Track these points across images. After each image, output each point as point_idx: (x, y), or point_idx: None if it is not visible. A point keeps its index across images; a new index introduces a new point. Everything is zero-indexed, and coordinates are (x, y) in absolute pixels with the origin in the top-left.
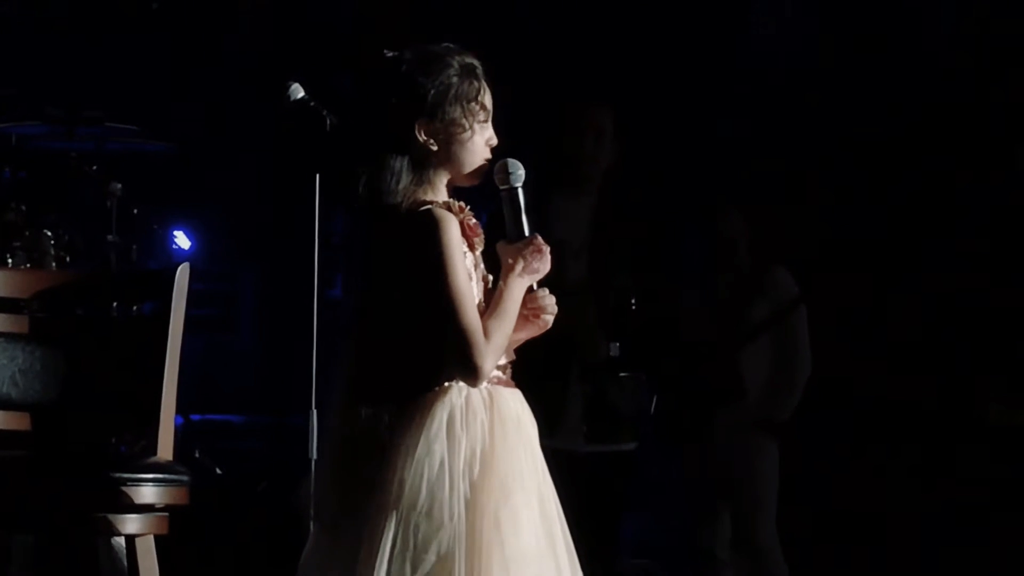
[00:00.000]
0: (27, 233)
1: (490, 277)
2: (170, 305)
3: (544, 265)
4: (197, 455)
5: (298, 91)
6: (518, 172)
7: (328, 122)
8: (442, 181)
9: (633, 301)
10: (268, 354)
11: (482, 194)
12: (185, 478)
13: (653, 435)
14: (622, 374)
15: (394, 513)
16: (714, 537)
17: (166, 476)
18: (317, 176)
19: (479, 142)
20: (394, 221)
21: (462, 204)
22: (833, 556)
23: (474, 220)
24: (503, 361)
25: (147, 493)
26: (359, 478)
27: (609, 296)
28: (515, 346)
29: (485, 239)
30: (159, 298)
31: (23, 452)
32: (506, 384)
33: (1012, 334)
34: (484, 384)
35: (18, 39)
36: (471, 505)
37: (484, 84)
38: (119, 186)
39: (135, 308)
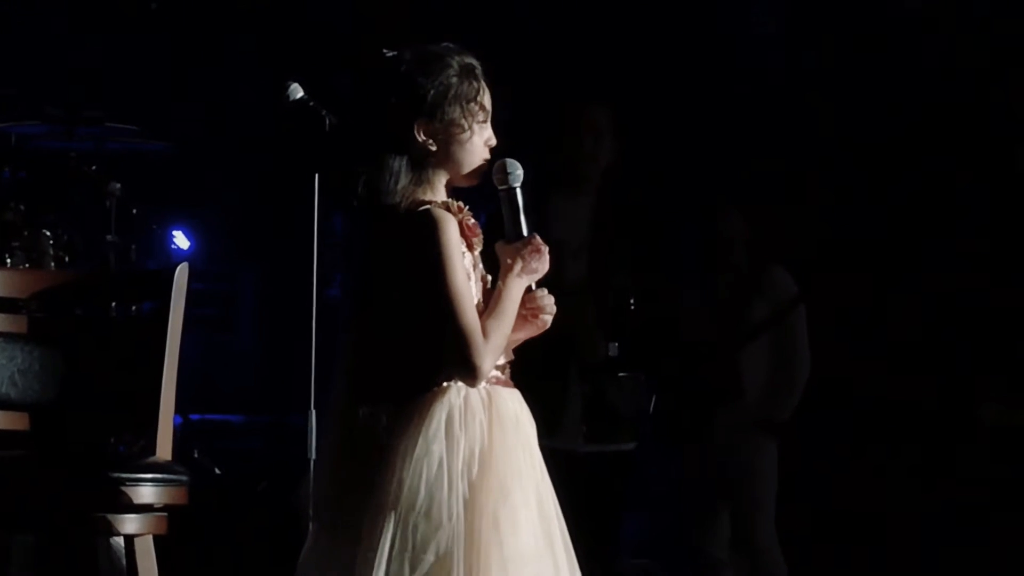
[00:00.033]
0: (26, 233)
1: (489, 277)
2: (169, 305)
3: (543, 265)
4: (196, 455)
5: (297, 91)
6: (516, 172)
7: (327, 122)
8: (441, 181)
9: (632, 301)
10: (267, 354)
11: (481, 194)
12: (184, 478)
13: (652, 435)
14: (621, 374)
15: (393, 513)
16: (713, 537)
17: (165, 476)
18: (316, 176)
19: (478, 142)
20: (393, 221)
21: (461, 204)
22: (832, 556)
23: (473, 220)
24: (502, 361)
25: (146, 493)
26: (358, 478)
27: (608, 296)
28: (514, 346)
29: (484, 239)
30: (158, 298)
31: (22, 452)
32: (505, 384)
33: (1012, 334)
34: (483, 384)
35: (18, 39)
36: (470, 505)
37: (483, 84)
38: (118, 186)
39: (134, 308)
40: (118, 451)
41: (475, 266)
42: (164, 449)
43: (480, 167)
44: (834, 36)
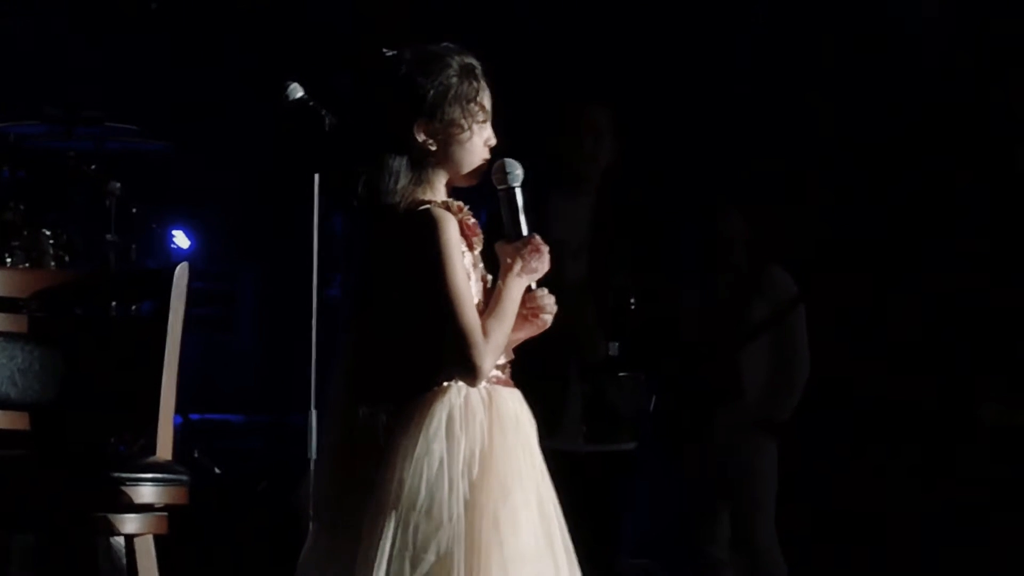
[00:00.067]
0: (26, 232)
1: (489, 277)
2: (169, 304)
3: (542, 265)
4: (196, 455)
5: (297, 91)
6: (516, 172)
7: (327, 122)
8: (441, 181)
9: (632, 301)
10: (267, 353)
11: (481, 194)
12: (184, 478)
13: (652, 435)
14: (621, 374)
15: (393, 513)
16: (713, 537)
17: (165, 476)
18: (316, 176)
19: (478, 142)
20: (393, 221)
21: (461, 204)
22: (832, 556)
23: (473, 220)
24: (502, 361)
25: (146, 493)
26: (358, 478)
27: (608, 296)
28: (514, 346)
29: (484, 239)
30: (158, 297)
31: (22, 452)
32: (505, 384)
33: (1012, 334)
34: (483, 384)
35: (18, 39)
36: (470, 505)
37: (483, 84)
38: (118, 185)
39: (134, 308)
40: (118, 451)
41: (475, 266)
42: (164, 449)
43: (480, 167)
44: (834, 36)
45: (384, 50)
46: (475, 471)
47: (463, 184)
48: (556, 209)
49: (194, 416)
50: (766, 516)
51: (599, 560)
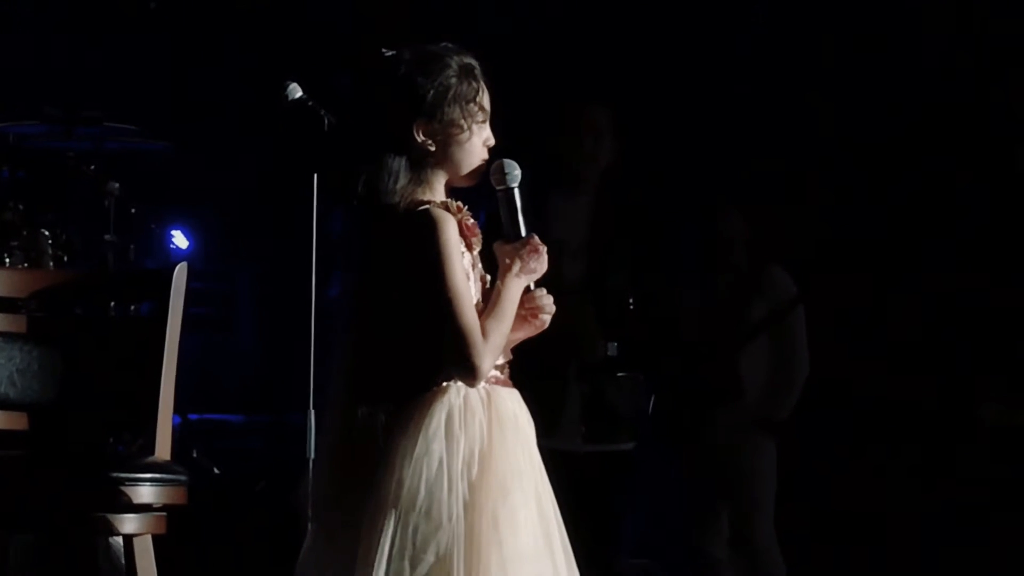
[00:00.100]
0: (25, 232)
1: (488, 277)
2: (168, 304)
3: (541, 265)
4: (195, 455)
5: (296, 91)
6: (514, 172)
7: (326, 122)
8: (440, 181)
9: (631, 301)
10: (266, 353)
11: (480, 194)
12: (183, 478)
13: (651, 435)
14: (620, 374)
15: (392, 512)
16: (712, 536)
17: (164, 476)
18: (315, 176)
19: (477, 143)
20: (392, 221)
21: (460, 204)
22: (832, 556)
23: (472, 220)
24: (500, 361)
25: (145, 493)
26: (356, 478)
27: (607, 296)
28: (512, 346)
29: (483, 239)
30: (157, 297)
31: (21, 452)
32: (504, 384)
33: (1012, 334)
34: (482, 384)
35: (17, 38)
36: (469, 505)
37: (482, 85)
38: (117, 185)
39: (133, 307)
40: (117, 451)
41: (474, 266)
42: (163, 449)
43: (479, 167)
44: (834, 36)
45: (383, 50)
46: (474, 471)
47: (462, 184)
48: (555, 209)
49: (193, 416)
50: (765, 516)
51: (599, 560)
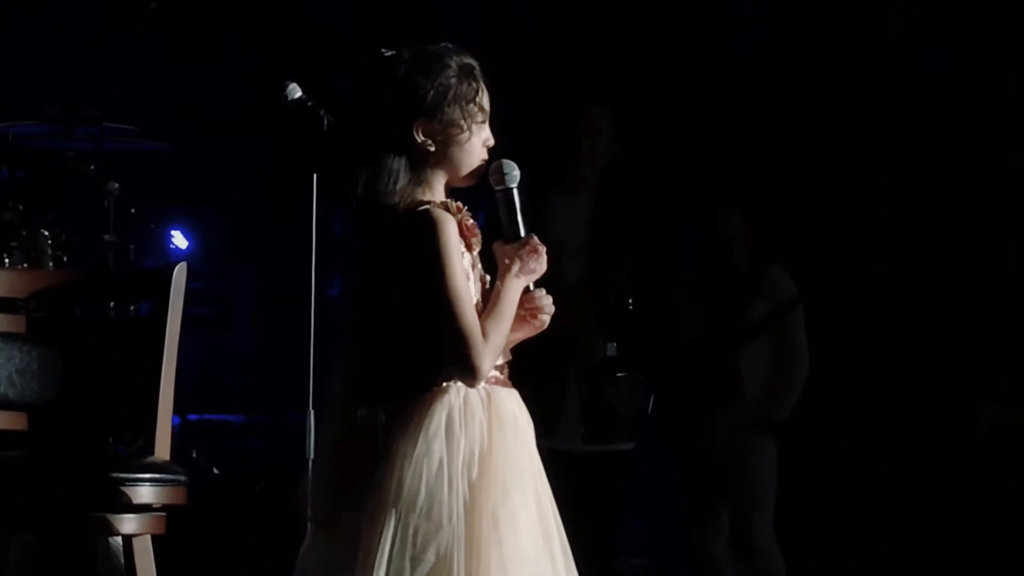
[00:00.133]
0: (24, 233)
1: (488, 277)
2: (167, 305)
3: (540, 265)
4: (194, 455)
5: (295, 91)
6: (513, 173)
7: (325, 122)
8: (440, 181)
9: (630, 301)
10: (266, 353)
11: (480, 194)
12: (182, 478)
13: (651, 435)
14: (619, 374)
15: (393, 512)
16: (712, 537)
17: (163, 476)
18: (315, 176)
19: (476, 143)
20: (392, 221)
21: (460, 204)
22: (832, 556)
23: (472, 220)
24: (500, 361)
25: (144, 493)
26: (356, 478)
27: (606, 296)
28: (512, 346)
29: (483, 239)
30: (156, 298)
31: (20, 452)
32: (503, 384)
33: (1012, 334)
34: (482, 384)
35: (17, 38)
36: (470, 506)
37: (482, 85)
38: (116, 186)
39: (132, 308)
40: (116, 451)
41: (474, 266)
42: (162, 449)
43: (478, 168)
44: (834, 36)
45: (383, 50)
46: (475, 471)
47: (462, 185)
48: (555, 209)
49: (192, 416)
50: (765, 516)
51: (598, 560)
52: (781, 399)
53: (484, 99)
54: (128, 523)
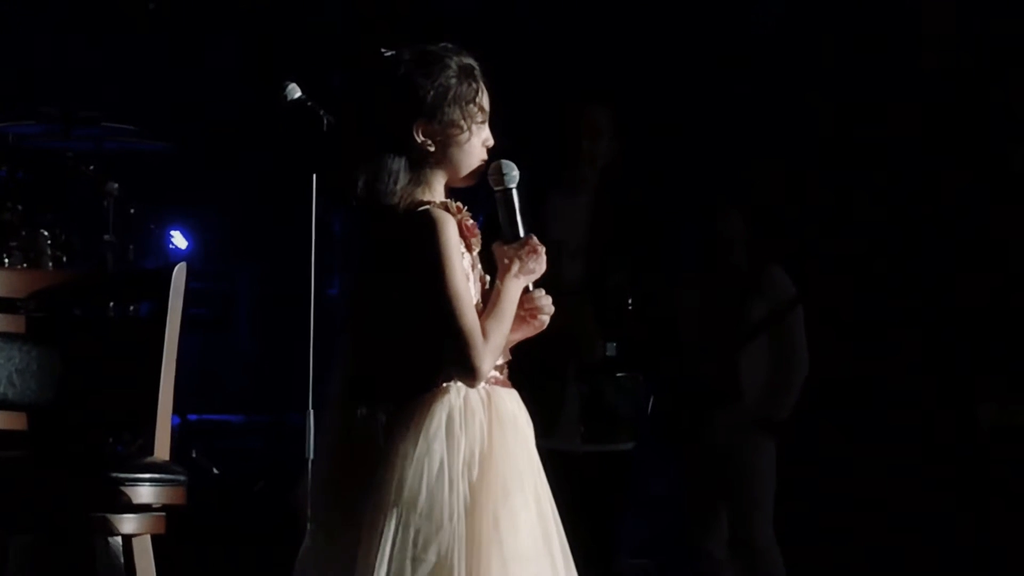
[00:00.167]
0: (23, 233)
1: (487, 277)
2: (167, 305)
3: (540, 266)
4: (194, 455)
5: (295, 91)
6: (512, 173)
7: (325, 122)
8: (439, 181)
9: (630, 301)
10: (265, 353)
11: (479, 194)
12: (182, 478)
13: (650, 435)
14: (619, 374)
15: (393, 513)
16: (712, 537)
17: (163, 476)
18: (314, 176)
19: (476, 143)
20: (392, 221)
21: (460, 204)
22: (832, 556)
23: (471, 220)
24: (500, 361)
25: (144, 493)
26: (356, 478)
27: (605, 296)
28: (511, 346)
29: (482, 239)
30: (156, 298)
31: (20, 452)
32: (503, 384)
33: (1012, 334)
34: (482, 384)
35: (16, 38)
36: (470, 506)
37: (482, 85)
38: (116, 186)
39: (132, 308)
40: (116, 451)
41: (474, 266)
42: (162, 449)
43: (478, 168)
44: (834, 36)
45: (383, 50)
46: (475, 472)
47: (461, 185)
48: (554, 209)
49: (192, 416)
50: (765, 516)
51: (598, 560)
52: (781, 399)
53: (484, 99)
54: (128, 523)
